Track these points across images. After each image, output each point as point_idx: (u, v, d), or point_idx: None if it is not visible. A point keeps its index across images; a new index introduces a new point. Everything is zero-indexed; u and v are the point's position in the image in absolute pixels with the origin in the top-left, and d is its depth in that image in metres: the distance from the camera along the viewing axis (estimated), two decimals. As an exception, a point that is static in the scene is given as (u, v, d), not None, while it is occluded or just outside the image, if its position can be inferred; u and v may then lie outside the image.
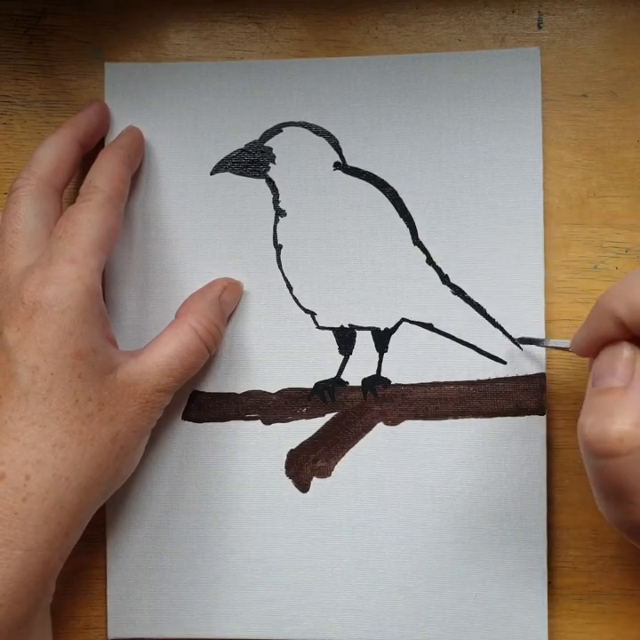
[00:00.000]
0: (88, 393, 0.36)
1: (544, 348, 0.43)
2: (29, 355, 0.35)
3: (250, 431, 0.44)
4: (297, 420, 0.44)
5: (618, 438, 0.30)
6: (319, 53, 0.45)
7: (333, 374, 0.44)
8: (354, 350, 0.44)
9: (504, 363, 0.43)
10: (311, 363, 0.44)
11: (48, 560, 0.36)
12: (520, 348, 0.43)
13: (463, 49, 0.44)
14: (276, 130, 0.44)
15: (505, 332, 0.43)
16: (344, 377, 0.44)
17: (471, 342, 0.43)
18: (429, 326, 0.44)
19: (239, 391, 0.44)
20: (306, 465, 0.44)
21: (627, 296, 0.32)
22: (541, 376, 0.43)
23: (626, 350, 0.33)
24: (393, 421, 0.44)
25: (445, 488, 0.43)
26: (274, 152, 0.44)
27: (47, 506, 0.35)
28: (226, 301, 0.43)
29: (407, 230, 0.44)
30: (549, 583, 0.43)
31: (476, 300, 0.44)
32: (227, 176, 0.44)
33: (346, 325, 0.44)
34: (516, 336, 0.43)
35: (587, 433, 0.31)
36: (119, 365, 0.38)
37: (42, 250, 0.38)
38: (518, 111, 0.43)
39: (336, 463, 0.44)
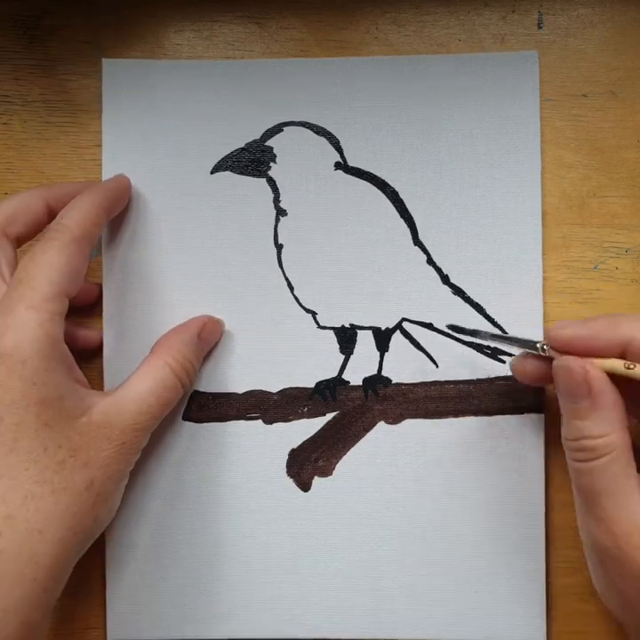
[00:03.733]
0: (57, 440, 0.35)
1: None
2: None
3: (251, 431, 0.44)
4: (298, 419, 0.44)
5: (591, 448, 0.34)
6: (319, 53, 0.45)
7: (334, 374, 0.44)
8: (355, 350, 0.44)
9: (503, 362, 0.43)
10: (312, 362, 0.44)
11: (27, 620, 0.33)
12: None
13: (463, 49, 0.44)
14: (277, 129, 0.44)
15: (504, 332, 0.43)
16: (345, 376, 0.44)
17: (471, 341, 0.44)
18: (430, 326, 0.44)
19: (240, 391, 0.44)
20: (307, 464, 0.44)
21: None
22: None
23: (592, 368, 0.35)
24: (394, 420, 0.44)
25: (446, 486, 0.43)
26: (274, 151, 0.44)
27: (21, 562, 0.33)
28: (204, 338, 0.42)
29: (408, 230, 0.44)
30: (549, 583, 0.43)
31: (475, 299, 0.44)
32: (227, 175, 0.44)
33: (347, 325, 0.44)
34: (515, 335, 0.43)
35: (565, 442, 0.36)
36: (92, 407, 0.37)
37: None
38: (517, 113, 0.44)
39: (337, 462, 0.44)
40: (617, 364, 0.35)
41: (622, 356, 0.35)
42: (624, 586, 0.34)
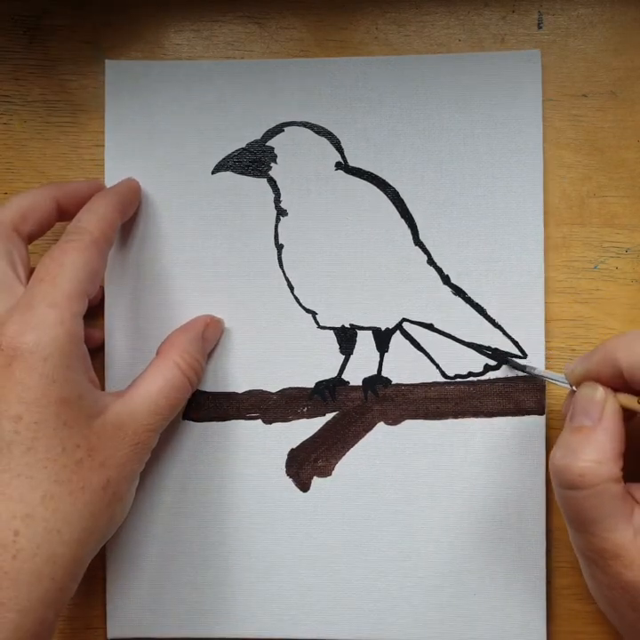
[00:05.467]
0: (75, 439, 0.35)
1: (543, 349, 0.43)
2: (10, 404, 0.34)
3: (250, 430, 0.44)
4: (298, 419, 0.44)
5: (579, 473, 0.34)
6: (319, 53, 0.45)
7: (334, 374, 0.44)
8: (355, 350, 0.44)
9: (504, 363, 0.43)
10: (312, 362, 0.44)
11: (43, 619, 0.33)
12: (523, 354, 0.43)
13: (463, 49, 0.44)
14: (278, 129, 0.44)
15: (505, 333, 0.43)
16: (345, 376, 0.44)
17: (471, 342, 0.43)
18: (430, 326, 0.44)
19: (240, 391, 0.44)
20: (306, 464, 0.44)
21: (632, 349, 0.35)
22: (541, 376, 0.43)
23: (599, 393, 0.36)
24: (393, 421, 0.44)
25: (445, 487, 0.43)
26: (275, 152, 0.44)
27: (39, 562, 0.33)
28: (208, 338, 0.43)
29: (408, 230, 0.44)
30: (549, 583, 0.43)
31: (476, 300, 0.44)
32: (228, 175, 0.44)
33: (347, 325, 0.44)
34: (516, 337, 0.43)
35: (554, 463, 0.35)
36: (106, 407, 0.37)
37: (9, 292, 0.37)
38: (519, 113, 0.43)
39: (336, 462, 0.44)
40: (632, 401, 0.36)
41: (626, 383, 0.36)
42: (612, 596, 0.35)
